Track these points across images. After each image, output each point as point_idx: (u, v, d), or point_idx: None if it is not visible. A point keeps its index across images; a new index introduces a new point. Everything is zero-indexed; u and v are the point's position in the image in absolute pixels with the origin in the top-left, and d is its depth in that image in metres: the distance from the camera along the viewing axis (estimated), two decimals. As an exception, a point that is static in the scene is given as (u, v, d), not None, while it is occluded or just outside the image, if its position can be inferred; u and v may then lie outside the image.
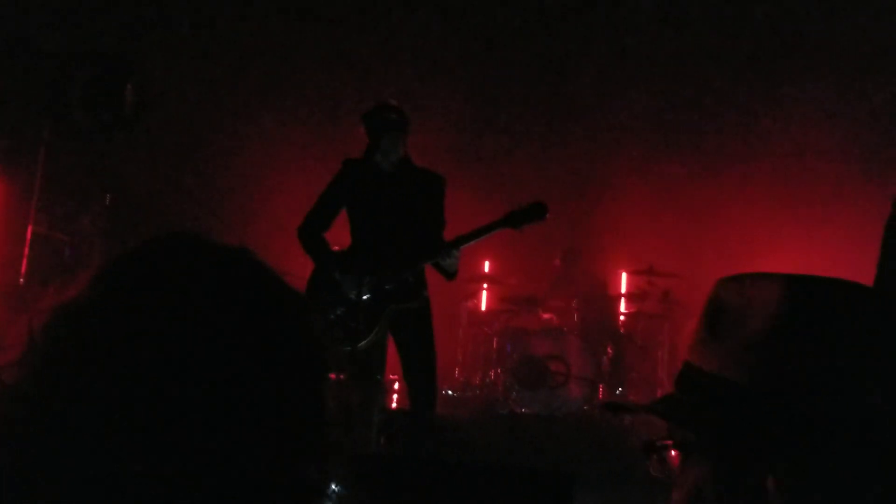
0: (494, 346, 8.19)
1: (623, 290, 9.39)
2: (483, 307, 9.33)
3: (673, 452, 1.07)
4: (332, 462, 0.88)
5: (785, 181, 9.08)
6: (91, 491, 0.77)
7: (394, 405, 7.73)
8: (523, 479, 2.56)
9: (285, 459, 0.84)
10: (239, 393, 0.82)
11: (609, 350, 8.14)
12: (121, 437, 0.77)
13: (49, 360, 0.81)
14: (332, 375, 0.92)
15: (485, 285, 9.21)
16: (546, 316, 8.46)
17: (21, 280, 5.83)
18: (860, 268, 2.49)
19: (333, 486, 0.89)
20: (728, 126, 9.48)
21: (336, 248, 5.03)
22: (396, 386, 7.76)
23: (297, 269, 6.40)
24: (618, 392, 8.07)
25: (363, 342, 4.61)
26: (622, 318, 8.59)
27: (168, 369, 0.80)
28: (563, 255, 8.84)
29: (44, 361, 0.82)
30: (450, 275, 4.77)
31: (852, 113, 9.03)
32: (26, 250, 5.81)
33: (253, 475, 0.81)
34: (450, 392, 8.19)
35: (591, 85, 9.63)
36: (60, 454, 0.78)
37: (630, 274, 9.33)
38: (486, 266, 9.62)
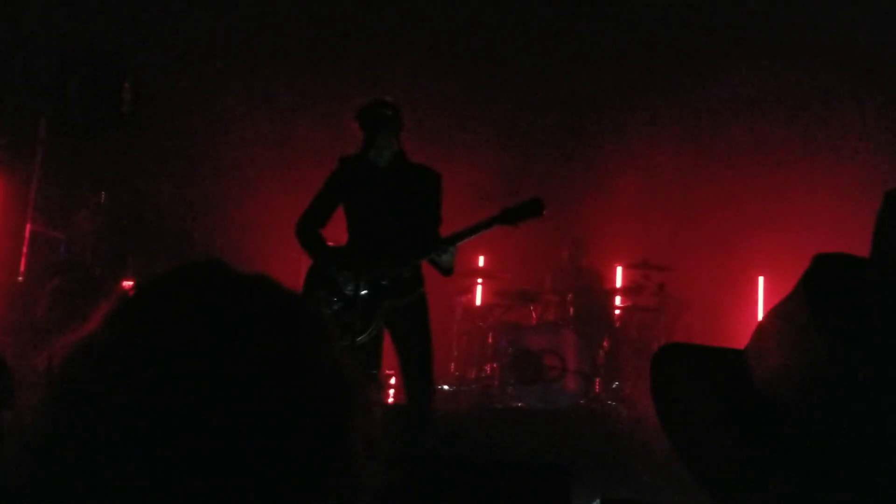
0: (489, 340, 8.22)
1: (618, 283, 9.42)
2: (478, 302, 9.34)
3: None
4: (359, 498, 0.88)
5: (779, 174, 9.11)
6: None
7: (390, 400, 7.76)
8: (519, 474, 2.59)
9: (313, 495, 0.83)
10: (267, 428, 0.81)
11: (604, 344, 8.16)
12: (143, 475, 0.77)
13: (69, 398, 0.81)
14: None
15: (479, 280, 9.22)
16: (541, 310, 8.50)
17: (20, 278, 5.85)
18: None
19: None
20: (723, 119, 9.50)
21: (331, 244, 5.06)
22: (393, 381, 7.78)
23: (292, 264, 6.44)
24: (613, 386, 8.11)
25: (360, 338, 4.64)
26: (617, 311, 8.61)
27: (193, 405, 0.79)
28: (570, 248, 8.86)
29: (64, 398, 0.81)
30: (446, 271, 4.79)
31: (850, 105, 9.07)
32: (24, 248, 5.83)
33: None
34: (445, 387, 8.21)
35: (588, 81, 9.65)
36: (81, 492, 0.78)
37: (625, 268, 9.35)
38: (481, 261, 9.64)
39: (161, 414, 0.78)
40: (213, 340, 0.82)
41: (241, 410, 0.80)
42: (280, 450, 0.81)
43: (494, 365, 8.07)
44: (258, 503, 0.79)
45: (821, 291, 1.04)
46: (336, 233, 5.08)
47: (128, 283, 6.39)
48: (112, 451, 0.78)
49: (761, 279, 9.29)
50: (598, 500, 2.29)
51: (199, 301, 0.86)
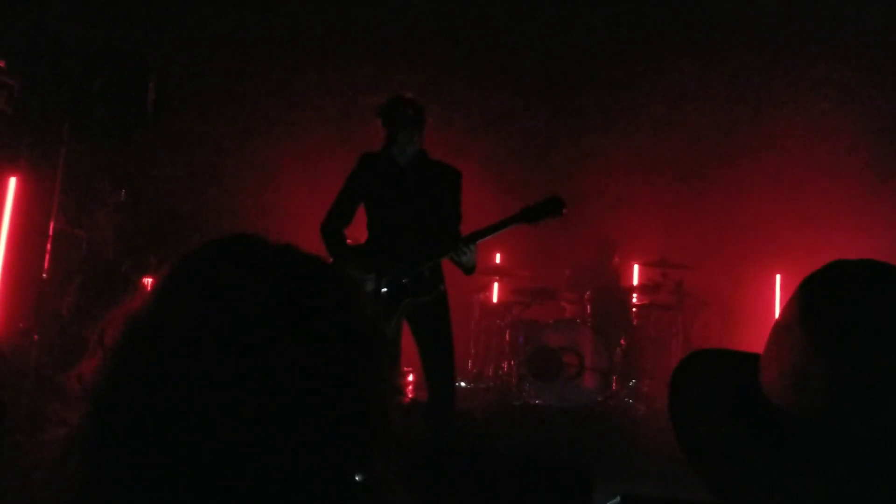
0: (507, 338, 8.23)
1: (636, 281, 9.42)
2: (495, 299, 9.37)
3: None
4: (392, 449, 0.92)
5: (797, 173, 9.08)
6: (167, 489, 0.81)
7: (409, 397, 7.78)
8: (542, 471, 2.60)
9: (353, 446, 0.87)
10: (307, 384, 0.85)
11: (622, 342, 8.17)
12: (198, 437, 0.81)
13: (124, 370, 0.86)
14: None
15: (496, 278, 9.24)
16: (559, 308, 8.52)
17: (44, 276, 5.91)
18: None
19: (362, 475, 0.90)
20: (741, 118, 9.48)
21: (349, 241, 5.08)
22: (410, 378, 7.81)
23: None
24: (631, 384, 8.11)
25: (380, 335, 4.65)
26: (635, 309, 8.61)
27: (239, 368, 0.83)
28: (601, 246, 8.87)
29: (119, 371, 0.86)
30: (468, 269, 4.80)
31: (864, 104, 9.02)
32: (48, 246, 5.89)
33: (324, 462, 0.85)
34: (463, 384, 8.23)
35: (606, 79, 9.66)
36: (137, 458, 0.82)
37: (642, 266, 9.35)
38: (498, 258, 9.66)
39: (208, 378, 0.82)
40: (251, 306, 0.86)
41: (281, 367, 0.84)
42: (314, 406, 0.85)
43: (512, 362, 8.08)
44: (285, 454, 0.83)
45: (811, 293, 1.06)
46: (353, 231, 5.10)
47: (148, 280, 6.44)
48: (164, 415, 0.82)
49: (778, 277, 9.27)
50: (618, 498, 2.31)
51: (235, 271, 0.90)
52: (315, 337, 0.88)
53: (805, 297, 1.06)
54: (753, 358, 1.18)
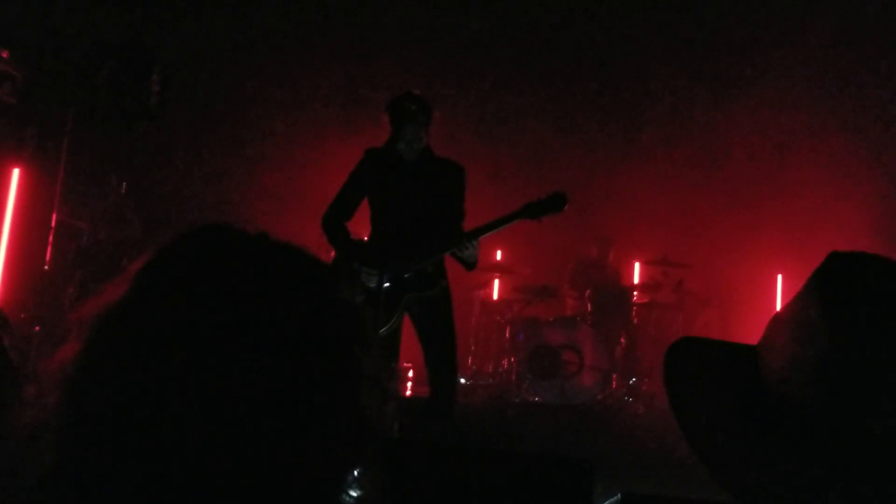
0: (507, 335, 8.23)
1: (636, 280, 9.42)
2: (495, 296, 9.37)
3: None
4: (370, 438, 0.91)
5: (799, 173, 9.09)
6: (135, 483, 0.81)
7: (408, 393, 7.79)
8: (543, 467, 2.60)
9: (329, 437, 0.87)
10: (284, 372, 0.85)
11: (622, 340, 8.18)
12: (169, 429, 0.81)
13: (99, 360, 0.86)
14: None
15: (497, 274, 9.25)
16: (559, 305, 8.53)
17: (46, 267, 5.92)
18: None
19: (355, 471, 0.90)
20: (743, 117, 9.48)
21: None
22: (410, 374, 7.82)
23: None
24: (631, 382, 8.12)
25: (382, 330, 4.65)
26: (635, 308, 8.62)
27: (215, 359, 0.83)
28: (598, 244, 8.88)
29: (93, 359, 0.86)
30: (469, 265, 4.79)
31: (865, 101, 9.03)
32: (51, 238, 5.90)
33: (300, 454, 0.84)
34: (462, 380, 8.24)
35: (609, 76, 9.66)
36: (111, 451, 0.82)
37: (643, 264, 9.35)
38: (499, 255, 9.66)
39: (185, 366, 0.83)
40: (224, 296, 0.87)
41: (255, 358, 0.84)
42: (295, 383, 0.85)
43: (512, 359, 8.09)
44: (274, 439, 0.83)
45: (831, 285, 1.06)
46: (354, 225, 5.09)
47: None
48: (135, 406, 0.82)
49: (780, 277, 9.27)
50: (619, 496, 2.31)
51: (209, 261, 0.91)
52: (291, 325, 0.88)
53: (826, 290, 1.06)
54: (747, 349, 1.18)
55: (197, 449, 0.81)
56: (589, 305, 8.22)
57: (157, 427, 0.81)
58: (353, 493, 0.90)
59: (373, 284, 4.65)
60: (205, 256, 0.92)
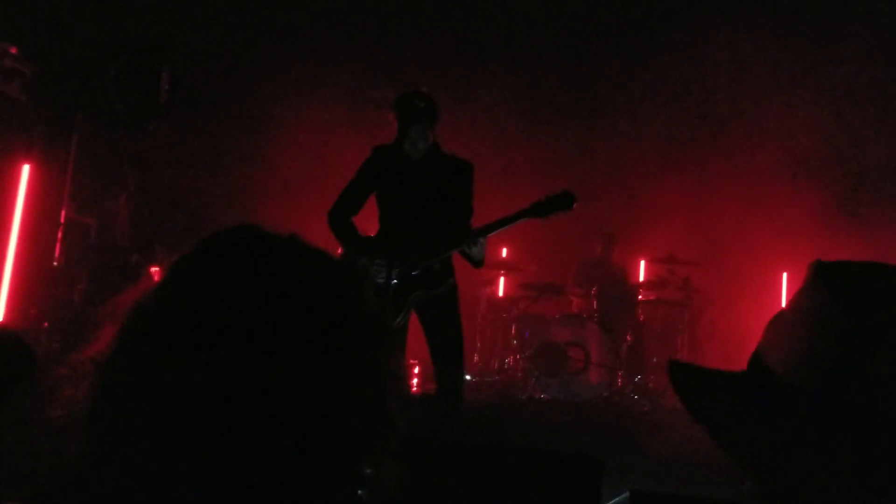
0: (513, 332, 8.25)
1: (642, 277, 9.43)
2: (501, 293, 9.38)
3: None
4: (390, 441, 0.94)
5: (804, 172, 9.08)
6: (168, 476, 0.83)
7: (413, 390, 7.81)
8: (553, 463, 2.60)
9: (354, 439, 0.89)
10: (315, 369, 0.88)
11: (628, 337, 8.18)
12: (201, 422, 0.84)
13: (133, 354, 0.88)
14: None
15: (503, 272, 9.25)
16: (565, 303, 8.53)
17: (55, 263, 5.94)
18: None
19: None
20: (748, 116, 9.47)
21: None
22: (416, 370, 7.83)
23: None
24: (636, 379, 8.13)
25: (389, 327, 4.65)
26: (641, 305, 8.63)
27: (240, 359, 0.86)
28: (603, 242, 8.90)
29: (125, 357, 0.89)
30: (476, 262, 4.80)
31: (872, 103, 9.02)
32: (60, 234, 5.92)
33: (324, 452, 0.87)
34: (468, 377, 8.26)
35: (617, 75, 9.66)
36: (142, 441, 0.84)
37: (649, 262, 9.36)
38: (505, 252, 9.67)
39: (209, 367, 0.85)
40: (254, 297, 0.89)
41: (283, 358, 0.87)
42: (325, 380, 0.88)
43: (518, 356, 8.10)
44: (306, 433, 0.86)
45: (838, 276, 1.08)
46: (361, 221, 5.10)
47: (155, 270, 6.46)
48: (165, 402, 0.84)
49: (785, 275, 9.26)
50: (627, 493, 2.33)
51: (239, 262, 0.93)
52: (318, 328, 0.90)
53: (834, 282, 1.07)
54: (739, 373, 1.18)
55: (228, 441, 0.83)
56: (595, 303, 8.23)
57: (189, 419, 0.84)
58: (370, 489, 0.92)
59: (380, 280, 4.65)
60: (240, 256, 0.94)
